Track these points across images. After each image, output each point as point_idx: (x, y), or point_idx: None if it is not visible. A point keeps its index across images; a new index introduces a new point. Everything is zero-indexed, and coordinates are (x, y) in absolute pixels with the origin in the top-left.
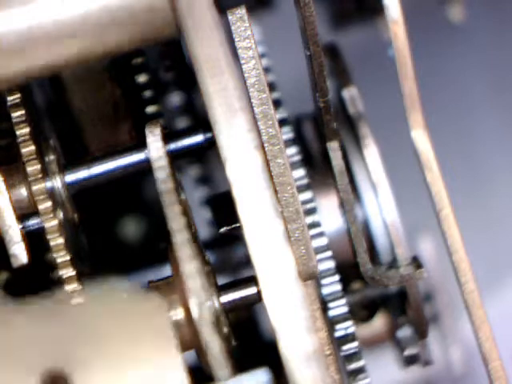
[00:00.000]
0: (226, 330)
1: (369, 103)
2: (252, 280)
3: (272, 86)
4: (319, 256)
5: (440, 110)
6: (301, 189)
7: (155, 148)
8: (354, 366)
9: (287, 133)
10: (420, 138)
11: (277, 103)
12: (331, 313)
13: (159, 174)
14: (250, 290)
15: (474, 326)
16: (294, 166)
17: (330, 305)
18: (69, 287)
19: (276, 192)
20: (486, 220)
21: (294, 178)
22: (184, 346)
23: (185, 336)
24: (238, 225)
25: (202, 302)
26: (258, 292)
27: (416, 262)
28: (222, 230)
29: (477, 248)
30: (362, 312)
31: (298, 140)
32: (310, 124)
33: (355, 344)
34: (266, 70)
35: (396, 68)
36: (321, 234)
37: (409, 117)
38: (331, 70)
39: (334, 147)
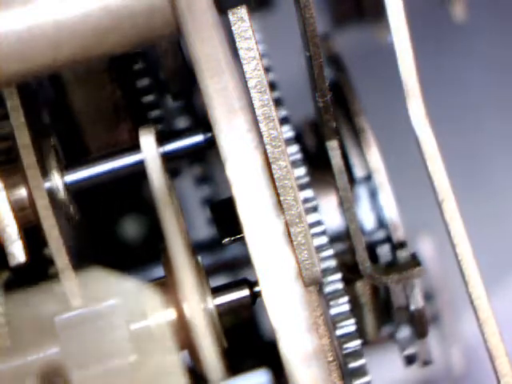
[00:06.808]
0: (218, 331)
1: (369, 103)
2: (245, 282)
3: (272, 86)
4: (320, 254)
5: (442, 108)
6: (301, 187)
7: (148, 153)
8: (355, 364)
9: (287, 132)
10: (421, 126)
11: (277, 103)
12: (333, 311)
13: (153, 179)
14: (243, 293)
15: (478, 321)
16: (294, 164)
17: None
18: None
19: (278, 195)
20: (489, 217)
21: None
22: (177, 347)
23: (178, 337)
24: (241, 235)
25: (195, 304)
26: (251, 294)
27: (415, 260)
28: (225, 241)
29: (479, 245)
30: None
31: (298, 139)
32: (308, 123)
33: (357, 342)
34: (267, 69)
35: (395, 67)
36: (323, 233)
37: (408, 104)
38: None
39: (333, 146)
